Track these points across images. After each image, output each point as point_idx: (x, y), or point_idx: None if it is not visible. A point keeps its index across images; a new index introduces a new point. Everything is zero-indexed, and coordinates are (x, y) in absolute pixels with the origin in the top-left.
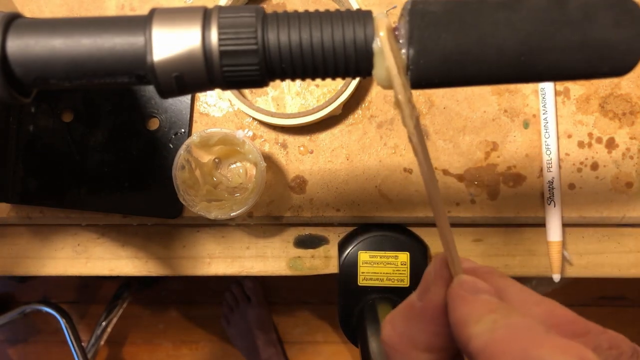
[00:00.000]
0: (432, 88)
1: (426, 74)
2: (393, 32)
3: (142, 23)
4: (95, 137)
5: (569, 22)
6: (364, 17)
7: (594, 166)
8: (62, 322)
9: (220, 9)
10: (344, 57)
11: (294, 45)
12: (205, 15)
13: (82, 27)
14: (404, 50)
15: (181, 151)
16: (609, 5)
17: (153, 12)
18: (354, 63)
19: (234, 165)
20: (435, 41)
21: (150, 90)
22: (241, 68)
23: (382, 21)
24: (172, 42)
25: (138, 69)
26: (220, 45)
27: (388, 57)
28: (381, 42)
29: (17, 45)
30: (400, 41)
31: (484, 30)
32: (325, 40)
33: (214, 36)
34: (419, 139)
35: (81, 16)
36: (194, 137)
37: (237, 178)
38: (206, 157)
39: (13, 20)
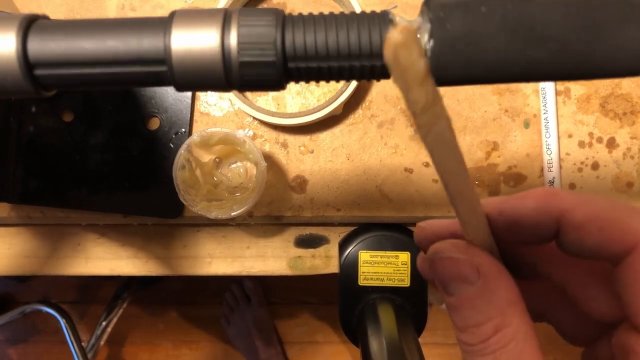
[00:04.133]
0: (450, 86)
1: (447, 74)
2: (415, 40)
3: (162, 24)
4: (96, 136)
5: (592, 19)
6: (383, 20)
7: (595, 166)
8: (62, 322)
9: (240, 12)
10: (367, 62)
11: (314, 52)
12: (225, 20)
13: (102, 29)
14: (426, 47)
15: (181, 151)
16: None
17: (173, 14)
18: (374, 67)
19: (234, 165)
20: (457, 39)
21: (150, 90)
22: (260, 78)
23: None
24: (191, 47)
25: (158, 70)
26: (240, 56)
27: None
28: (393, 56)
29: (40, 47)
30: (424, 42)
31: (508, 28)
32: (346, 46)
33: (233, 46)
34: (443, 147)
35: (97, 18)
36: (195, 136)
37: (237, 178)
38: (207, 157)
39: (34, 21)
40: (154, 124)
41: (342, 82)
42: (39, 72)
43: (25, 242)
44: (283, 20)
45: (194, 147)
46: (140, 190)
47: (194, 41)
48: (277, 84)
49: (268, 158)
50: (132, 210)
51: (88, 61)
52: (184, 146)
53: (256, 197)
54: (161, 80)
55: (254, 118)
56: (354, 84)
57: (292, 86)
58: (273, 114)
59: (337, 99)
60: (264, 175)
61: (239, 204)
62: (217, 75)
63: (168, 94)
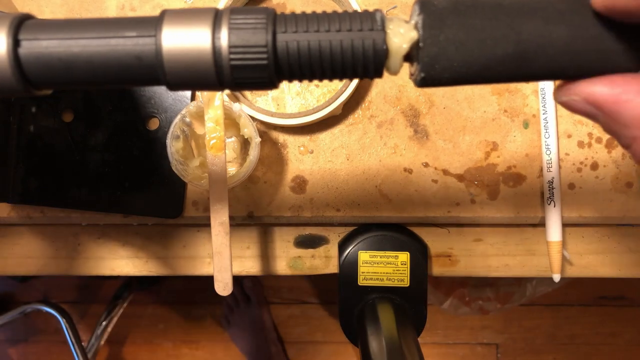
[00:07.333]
0: (439, 87)
1: (438, 75)
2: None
3: (153, 23)
4: (96, 137)
5: (586, 22)
6: (375, 19)
7: (594, 166)
8: (63, 321)
9: (231, 12)
10: (361, 61)
11: (307, 53)
12: (216, 19)
13: (93, 28)
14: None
15: (176, 120)
16: None
17: (164, 13)
18: (369, 66)
19: (229, 140)
20: (447, 42)
21: (150, 90)
22: (252, 79)
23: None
24: (182, 47)
25: (149, 69)
26: (231, 60)
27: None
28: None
29: (30, 45)
30: (417, 41)
31: (498, 31)
32: (338, 45)
33: (224, 48)
34: None
35: (88, 17)
36: (191, 106)
37: (231, 152)
38: (202, 129)
39: (25, 20)
40: (154, 124)
41: (341, 83)
42: (29, 71)
43: (26, 242)
44: (274, 20)
45: (190, 116)
46: (141, 190)
47: (184, 40)
48: (270, 84)
49: (268, 158)
50: (132, 210)
51: (79, 61)
52: (179, 116)
53: (248, 172)
54: (152, 79)
55: (253, 118)
56: (353, 84)
57: (291, 87)
58: (272, 114)
59: (336, 99)
60: (258, 151)
61: (231, 178)
62: (208, 76)
63: (168, 94)
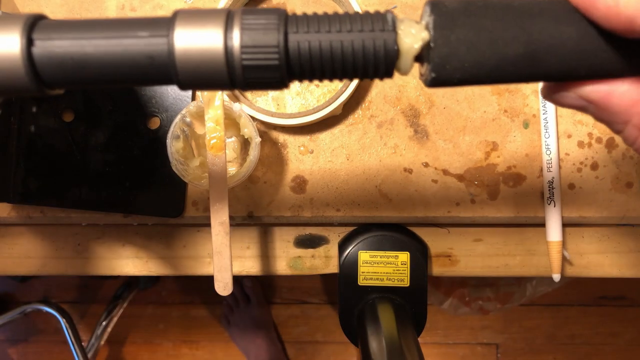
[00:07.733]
0: (449, 87)
1: (449, 75)
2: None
3: (165, 23)
4: (96, 136)
5: (584, 25)
6: (386, 20)
7: (594, 166)
8: (63, 321)
9: (243, 12)
10: (372, 62)
11: (318, 53)
12: (228, 20)
13: (106, 28)
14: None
15: (177, 120)
16: None
17: (177, 13)
18: (380, 66)
19: (229, 140)
20: (458, 42)
21: (151, 89)
22: (264, 79)
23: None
24: (194, 47)
25: (161, 69)
26: (243, 60)
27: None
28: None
29: (43, 45)
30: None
31: (509, 32)
32: (349, 45)
33: (236, 49)
34: None
35: (101, 18)
36: (191, 106)
37: (231, 152)
38: (202, 129)
39: (39, 20)
40: (155, 123)
41: (341, 83)
42: (42, 70)
43: (26, 242)
44: (286, 20)
45: (190, 116)
46: (141, 189)
47: (197, 41)
48: (281, 84)
49: (268, 158)
50: (132, 209)
51: (92, 60)
52: (179, 116)
53: (248, 172)
54: (164, 79)
55: (253, 118)
56: (353, 84)
57: (292, 86)
58: (273, 114)
59: (336, 99)
60: (258, 151)
61: (231, 178)
62: (220, 76)
63: (168, 93)
